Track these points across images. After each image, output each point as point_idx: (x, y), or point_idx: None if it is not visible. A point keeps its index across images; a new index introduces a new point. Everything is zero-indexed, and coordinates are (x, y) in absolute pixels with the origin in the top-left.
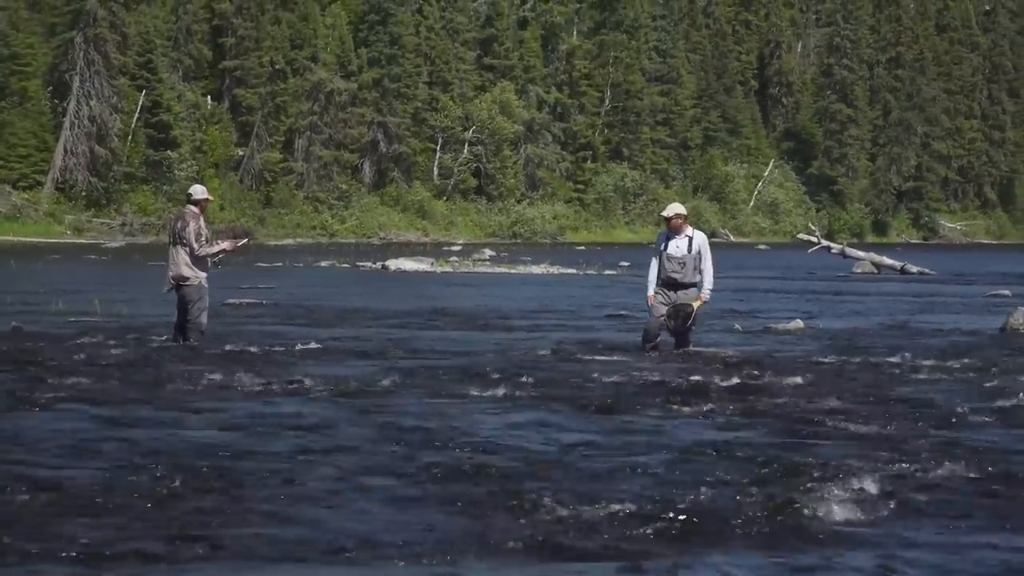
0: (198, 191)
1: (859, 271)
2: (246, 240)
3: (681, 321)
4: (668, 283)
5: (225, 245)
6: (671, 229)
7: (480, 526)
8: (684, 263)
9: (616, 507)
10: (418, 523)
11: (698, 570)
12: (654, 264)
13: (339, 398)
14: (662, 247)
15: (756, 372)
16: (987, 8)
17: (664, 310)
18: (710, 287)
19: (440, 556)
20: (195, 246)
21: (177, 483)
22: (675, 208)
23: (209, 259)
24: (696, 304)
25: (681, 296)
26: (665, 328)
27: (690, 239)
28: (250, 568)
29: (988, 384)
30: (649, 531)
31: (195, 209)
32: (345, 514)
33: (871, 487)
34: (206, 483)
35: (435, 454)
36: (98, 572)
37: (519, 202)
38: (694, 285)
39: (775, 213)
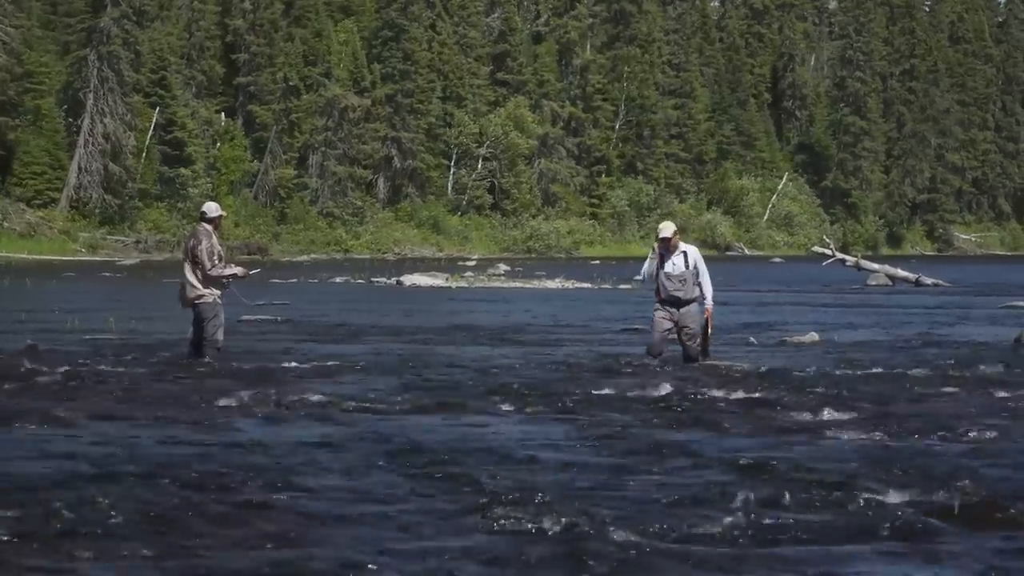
0: (211, 209)
1: (874, 283)
2: (257, 271)
3: (693, 342)
4: (671, 301)
5: (236, 270)
6: (667, 248)
7: (498, 546)
8: (684, 279)
9: (627, 527)
10: (431, 542)
11: None
12: (647, 263)
13: (354, 415)
14: (658, 266)
15: (770, 385)
16: (1000, 20)
17: (667, 325)
18: (711, 297)
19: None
20: (207, 265)
21: (187, 502)
22: (671, 227)
23: (222, 278)
24: (705, 315)
25: (684, 313)
26: (670, 341)
27: (685, 254)
28: None
29: (1000, 395)
30: (667, 555)
31: (208, 227)
32: (358, 534)
33: (883, 500)
34: (216, 503)
35: (448, 471)
36: None
37: (534, 217)
38: (695, 300)
39: (789, 226)
